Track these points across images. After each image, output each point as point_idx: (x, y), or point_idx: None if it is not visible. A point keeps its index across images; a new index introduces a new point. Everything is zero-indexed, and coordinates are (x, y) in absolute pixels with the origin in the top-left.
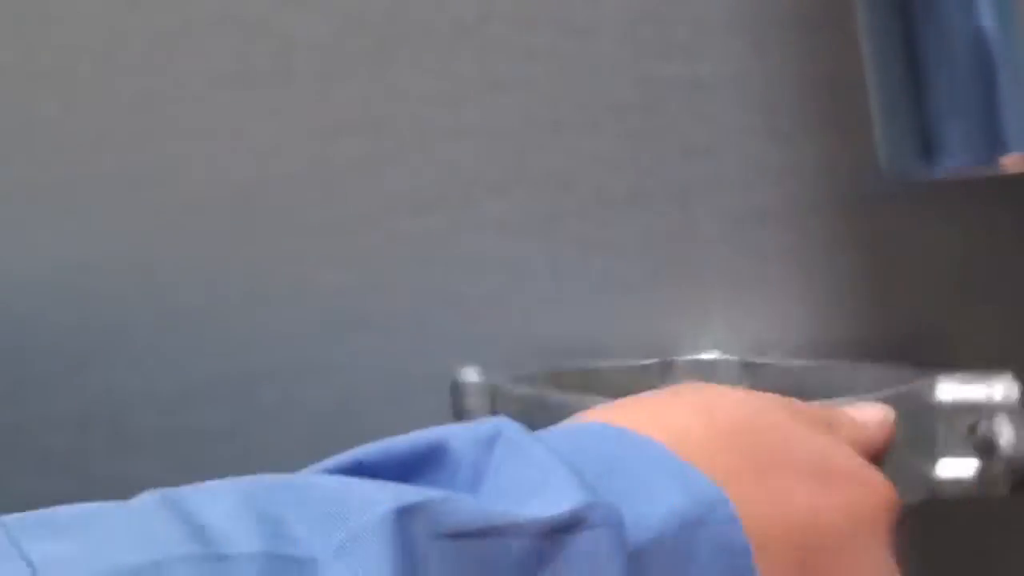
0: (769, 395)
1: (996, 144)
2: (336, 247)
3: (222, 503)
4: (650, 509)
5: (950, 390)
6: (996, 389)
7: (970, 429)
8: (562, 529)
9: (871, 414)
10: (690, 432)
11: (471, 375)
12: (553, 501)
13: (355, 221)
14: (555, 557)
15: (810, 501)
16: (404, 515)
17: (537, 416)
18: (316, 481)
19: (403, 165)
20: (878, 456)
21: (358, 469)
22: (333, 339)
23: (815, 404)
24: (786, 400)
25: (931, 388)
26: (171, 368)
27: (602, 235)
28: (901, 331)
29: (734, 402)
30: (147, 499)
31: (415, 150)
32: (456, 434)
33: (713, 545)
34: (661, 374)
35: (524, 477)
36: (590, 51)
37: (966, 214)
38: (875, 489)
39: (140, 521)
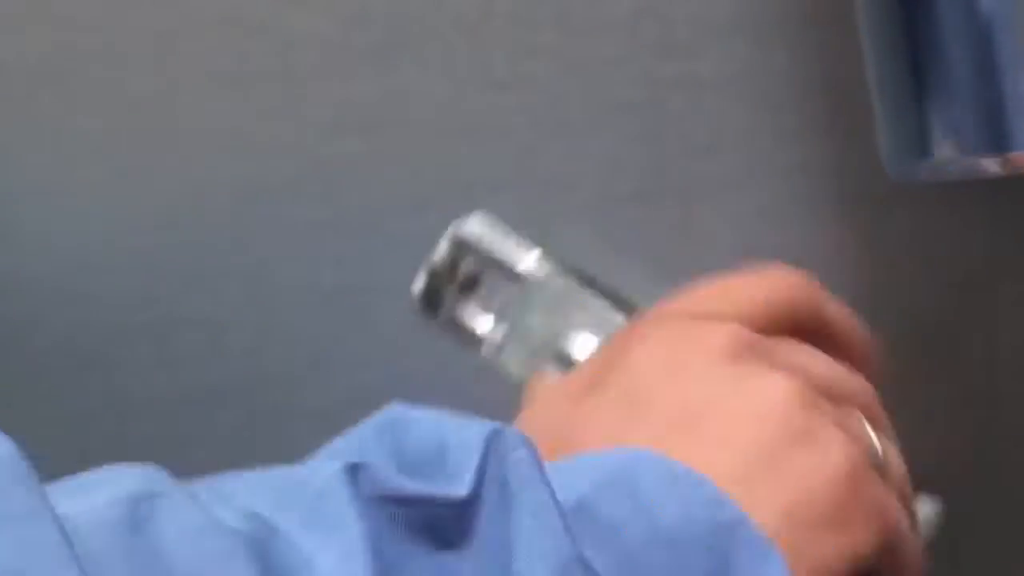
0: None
1: (998, 144)
2: (336, 247)
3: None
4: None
5: None
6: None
7: None
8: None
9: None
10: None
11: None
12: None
13: (355, 221)
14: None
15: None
16: (352, 471)
17: None
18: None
19: (403, 165)
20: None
21: None
22: (333, 340)
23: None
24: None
25: None
26: (171, 370)
27: (603, 235)
28: (901, 331)
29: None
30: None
31: (415, 150)
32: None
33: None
34: None
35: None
36: (591, 50)
37: (966, 214)
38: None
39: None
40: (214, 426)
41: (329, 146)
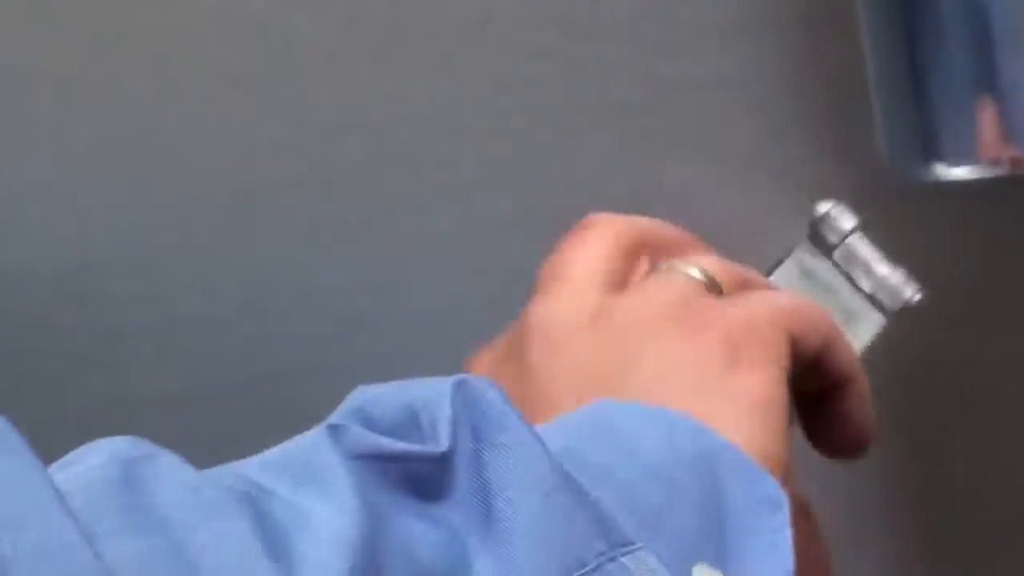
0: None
1: (997, 143)
2: (336, 247)
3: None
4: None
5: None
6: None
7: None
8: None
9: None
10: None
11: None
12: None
13: (355, 221)
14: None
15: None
16: (334, 431)
17: None
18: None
19: (403, 165)
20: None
21: None
22: (333, 340)
23: None
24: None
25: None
26: (171, 370)
27: None
28: (901, 331)
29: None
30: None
31: (415, 150)
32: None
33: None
34: None
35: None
36: (592, 51)
37: (966, 214)
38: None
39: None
40: (214, 426)
41: (329, 146)
